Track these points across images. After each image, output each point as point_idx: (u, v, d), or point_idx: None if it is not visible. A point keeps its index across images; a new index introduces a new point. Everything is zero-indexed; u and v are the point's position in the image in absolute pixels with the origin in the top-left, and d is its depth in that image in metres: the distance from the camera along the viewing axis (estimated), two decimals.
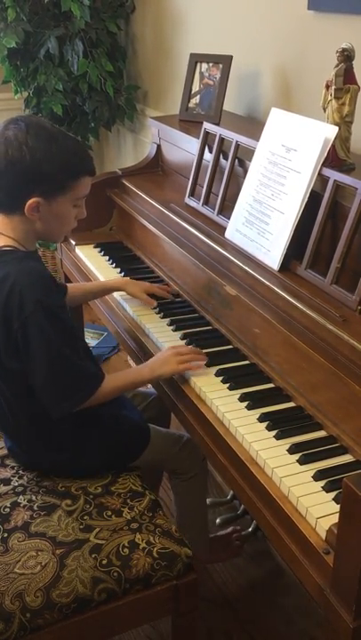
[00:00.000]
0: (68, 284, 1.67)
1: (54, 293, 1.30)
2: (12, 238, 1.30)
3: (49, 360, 1.24)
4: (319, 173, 1.36)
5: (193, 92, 2.08)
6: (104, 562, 1.21)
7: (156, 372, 1.37)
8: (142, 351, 1.58)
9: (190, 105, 2.08)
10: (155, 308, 1.65)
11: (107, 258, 1.95)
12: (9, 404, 1.35)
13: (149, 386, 1.57)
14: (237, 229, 1.56)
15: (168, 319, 1.59)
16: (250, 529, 1.81)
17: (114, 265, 1.91)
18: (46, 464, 1.40)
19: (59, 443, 1.38)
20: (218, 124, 1.79)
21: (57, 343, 1.24)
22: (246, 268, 1.46)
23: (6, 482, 1.38)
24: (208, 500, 1.75)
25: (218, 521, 1.80)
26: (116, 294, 1.75)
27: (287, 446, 1.16)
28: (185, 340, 1.49)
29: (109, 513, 1.30)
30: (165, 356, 1.38)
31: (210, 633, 1.63)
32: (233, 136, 1.63)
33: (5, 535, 1.25)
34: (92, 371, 1.32)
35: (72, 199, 1.31)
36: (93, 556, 1.21)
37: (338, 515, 0.94)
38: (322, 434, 1.20)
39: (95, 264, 1.92)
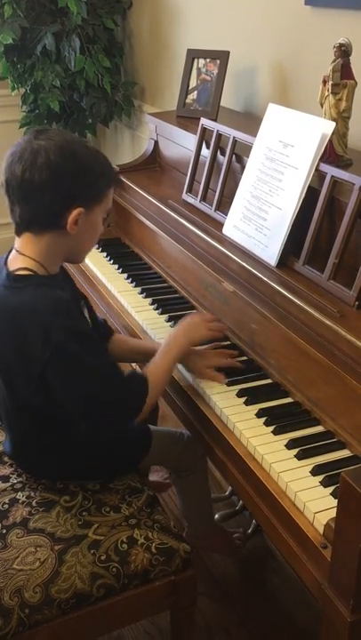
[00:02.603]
0: (118, 334, 1.55)
1: (79, 317, 1.23)
2: (34, 260, 1.20)
3: (97, 376, 1.18)
4: (317, 169, 1.36)
5: (190, 87, 2.07)
6: (103, 557, 1.21)
7: (190, 338, 1.34)
8: None
9: (188, 101, 2.08)
10: (152, 305, 1.65)
11: (104, 254, 1.95)
12: (9, 411, 1.32)
13: None
14: (235, 225, 1.56)
15: (166, 315, 1.59)
16: (249, 530, 1.82)
17: (112, 261, 1.91)
18: (44, 471, 1.37)
19: (58, 451, 1.34)
20: (215, 120, 1.79)
21: (98, 365, 1.19)
22: (244, 264, 1.46)
23: (5, 479, 1.38)
24: None
25: (217, 517, 1.81)
26: (115, 293, 1.75)
27: (285, 441, 1.17)
28: None
29: (108, 509, 1.30)
30: (194, 323, 1.36)
31: (208, 628, 1.64)
32: (230, 132, 1.63)
33: (4, 531, 1.25)
34: (134, 376, 1.27)
35: (104, 209, 1.25)
36: (92, 551, 1.22)
37: (335, 509, 0.94)
38: (319, 429, 1.20)
39: (93, 261, 1.92)
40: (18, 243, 1.22)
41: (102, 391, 1.19)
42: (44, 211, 1.17)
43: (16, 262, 1.21)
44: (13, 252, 1.23)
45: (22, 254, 1.20)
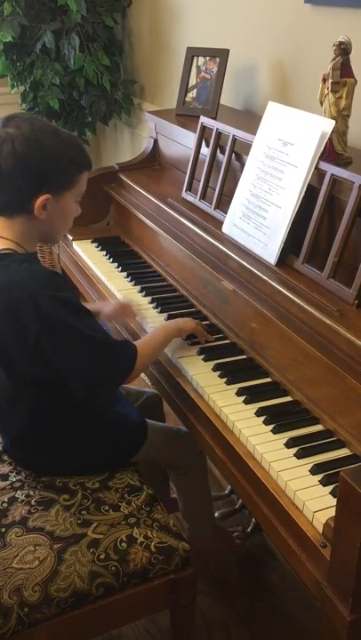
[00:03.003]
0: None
1: (65, 286, 1.26)
2: (12, 240, 1.25)
3: (88, 349, 1.22)
4: (316, 167, 1.36)
5: (190, 85, 2.07)
6: (102, 556, 1.21)
7: (180, 326, 1.41)
8: None
9: (187, 99, 2.08)
10: (152, 303, 1.65)
11: (104, 253, 1.95)
12: (8, 399, 1.34)
13: (146, 379, 1.56)
14: (235, 224, 1.56)
15: (166, 314, 1.59)
16: (249, 528, 1.82)
17: (111, 260, 1.90)
18: (42, 463, 1.39)
19: (56, 441, 1.36)
20: (215, 118, 1.78)
21: (88, 331, 1.22)
22: (243, 263, 1.46)
23: (4, 477, 1.38)
24: None
25: (216, 515, 1.81)
26: (114, 291, 1.75)
27: (284, 440, 1.16)
28: (187, 341, 1.46)
29: (107, 508, 1.30)
30: (185, 319, 1.45)
31: (208, 626, 1.64)
32: (230, 130, 1.63)
33: (3, 530, 1.25)
34: (123, 343, 1.32)
35: (76, 194, 1.28)
36: (91, 550, 1.21)
37: (335, 508, 0.94)
38: (319, 428, 1.20)
39: (92, 259, 1.92)
40: None
41: (94, 354, 1.23)
42: (11, 196, 1.21)
43: None
44: None
45: (0, 236, 1.25)
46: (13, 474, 1.39)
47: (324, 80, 1.39)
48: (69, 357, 1.22)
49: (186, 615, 1.34)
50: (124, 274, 1.81)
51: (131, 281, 1.77)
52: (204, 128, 1.74)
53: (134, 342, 1.33)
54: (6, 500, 1.32)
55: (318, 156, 1.36)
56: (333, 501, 1.00)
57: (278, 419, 1.21)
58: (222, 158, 1.65)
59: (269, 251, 1.44)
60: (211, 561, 1.80)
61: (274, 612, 1.68)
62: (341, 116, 1.39)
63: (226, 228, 1.59)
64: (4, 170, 1.18)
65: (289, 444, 1.15)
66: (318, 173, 1.36)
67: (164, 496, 1.70)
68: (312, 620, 1.63)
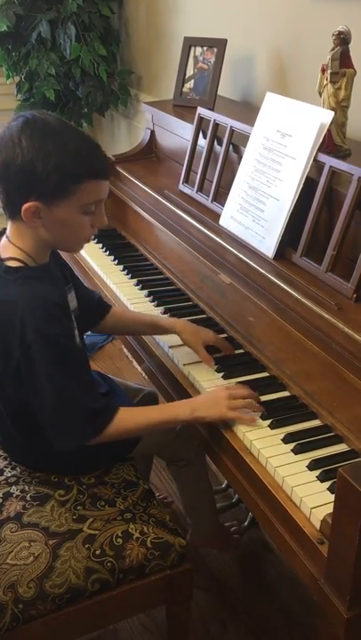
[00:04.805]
0: (116, 307, 1.52)
1: (58, 319, 1.17)
2: (22, 250, 1.19)
3: (53, 394, 1.15)
4: (315, 159, 1.34)
5: (187, 76, 2.05)
6: (97, 552, 1.20)
7: (200, 412, 1.20)
8: (136, 340, 1.57)
9: (184, 90, 2.05)
10: (148, 297, 1.63)
11: (100, 245, 1.93)
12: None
13: (143, 373, 1.55)
14: (232, 216, 1.54)
15: (162, 307, 1.58)
16: (246, 522, 1.81)
17: (107, 253, 1.89)
18: (38, 462, 1.36)
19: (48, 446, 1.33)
20: (212, 109, 1.77)
21: (59, 376, 1.15)
22: (241, 256, 1.44)
23: None
24: None
25: None
26: (111, 285, 1.74)
27: (282, 436, 1.16)
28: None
29: (103, 503, 1.29)
30: (216, 397, 1.21)
31: (205, 621, 1.63)
32: (227, 121, 1.61)
33: None
34: (100, 405, 1.19)
35: (77, 205, 1.15)
36: (87, 546, 1.20)
37: (332, 505, 0.93)
38: (316, 423, 1.19)
39: (88, 252, 1.90)
40: (7, 229, 1.23)
41: (58, 403, 1.16)
42: (5, 200, 1.16)
43: (7, 251, 1.21)
44: (4, 238, 1.23)
45: (11, 243, 1.21)
46: (8, 469, 1.37)
47: (323, 70, 1.37)
48: (37, 395, 1.17)
49: (182, 610, 1.33)
50: (121, 267, 1.79)
51: (127, 274, 1.76)
52: (201, 119, 1.72)
53: (122, 408, 1.21)
54: (1, 495, 1.31)
55: (317, 147, 1.34)
56: (331, 497, 0.99)
57: (276, 414, 1.20)
58: (220, 150, 1.63)
59: (267, 244, 1.42)
60: (207, 555, 1.80)
61: (271, 606, 1.68)
62: (340, 107, 1.37)
63: (223, 221, 1.57)
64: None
65: (286, 440, 1.15)
66: (317, 165, 1.34)
67: None
68: (309, 615, 1.63)
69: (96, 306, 1.47)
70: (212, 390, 1.27)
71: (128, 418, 1.22)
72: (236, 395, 1.22)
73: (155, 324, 1.47)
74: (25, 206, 1.12)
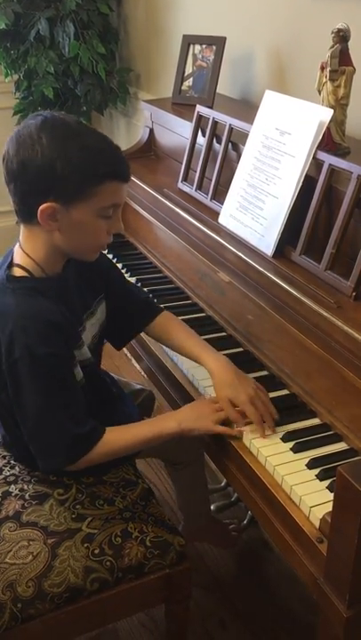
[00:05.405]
0: (168, 318, 1.40)
1: (50, 339, 1.12)
2: (31, 257, 1.15)
3: (34, 415, 1.13)
4: (314, 157, 1.34)
5: (186, 74, 2.04)
6: (96, 551, 1.20)
7: (187, 424, 1.18)
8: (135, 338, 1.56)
9: (183, 88, 2.05)
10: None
11: None
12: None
13: (142, 371, 1.54)
14: (231, 215, 1.54)
15: (161, 306, 1.57)
16: (245, 521, 1.81)
17: (107, 251, 1.88)
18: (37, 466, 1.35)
19: None
20: (211, 107, 1.76)
21: (42, 397, 1.12)
22: (240, 254, 1.44)
23: None
24: None
25: (212, 508, 1.80)
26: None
27: (281, 434, 1.15)
28: None
29: (102, 502, 1.29)
30: (201, 410, 1.20)
31: (204, 619, 1.63)
32: (226, 119, 1.60)
33: None
34: (83, 431, 1.16)
35: (95, 208, 1.11)
36: (85, 545, 1.20)
37: (332, 503, 0.93)
38: (316, 421, 1.19)
39: None
40: (20, 234, 1.19)
41: (38, 422, 1.14)
42: (19, 202, 1.12)
43: (17, 257, 1.18)
44: (17, 243, 1.20)
45: (22, 249, 1.17)
46: (7, 468, 1.37)
47: (323, 68, 1.36)
48: (19, 410, 1.15)
49: (181, 609, 1.33)
50: (120, 265, 1.79)
51: (126, 272, 1.75)
52: (200, 117, 1.71)
53: (109, 429, 1.18)
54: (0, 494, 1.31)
55: (316, 145, 1.34)
56: (330, 496, 0.99)
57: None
58: (219, 148, 1.63)
59: (266, 242, 1.42)
60: (206, 554, 1.80)
61: (270, 605, 1.68)
62: (340, 105, 1.36)
63: (222, 219, 1.57)
64: (11, 172, 1.09)
65: (286, 438, 1.14)
66: (316, 163, 1.34)
67: None
68: (308, 613, 1.63)
69: (141, 309, 1.40)
70: (195, 402, 1.26)
71: (115, 439, 1.19)
72: (221, 407, 1.20)
73: (197, 360, 1.31)
74: (42, 207, 1.08)
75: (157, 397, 1.64)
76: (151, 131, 2.10)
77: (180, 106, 2.00)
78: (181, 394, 1.34)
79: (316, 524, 0.99)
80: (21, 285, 1.14)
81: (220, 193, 1.62)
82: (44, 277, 1.17)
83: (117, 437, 1.20)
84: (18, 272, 1.16)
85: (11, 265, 1.17)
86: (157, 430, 1.21)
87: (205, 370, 1.29)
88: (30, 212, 1.10)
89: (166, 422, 1.21)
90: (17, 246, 1.19)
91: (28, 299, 1.13)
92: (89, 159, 1.08)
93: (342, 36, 1.32)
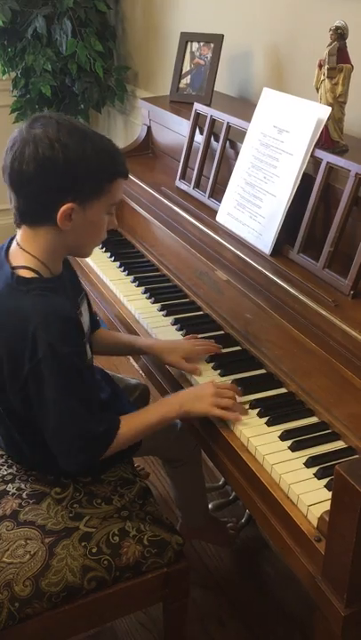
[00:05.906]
0: (101, 328, 1.47)
1: (71, 336, 1.14)
2: (36, 258, 1.15)
3: (56, 413, 1.13)
4: (312, 155, 1.33)
5: (183, 72, 2.04)
6: (94, 550, 1.20)
7: (186, 406, 1.21)
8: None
9: (181, 85, 2.04)
10: (145, 293, 1.63)
11: None
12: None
13: (139, 369, 1.54)
14: (229, 213, 1.54)
15: (159, 304, 1.57)
16: (243, 519, 1.81)
17: (104, 249, 1.88)
18: (37, 467, 1.34)
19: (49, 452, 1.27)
20: (209, 105, 1.75)
21: (66, 396, 1.13)
22: (238, 253, 1.44)
23: None
24: None
25: (210, 506, 1.80)
26: (107, 282, 1.73)
27: (279, 433, 1.15)
28: (181, 332, 1.45)
29: (99, 501, 1.28)
30: (202, 393, 1.22)
31: (202, 618, 1.63)
32: (224, 117, 1.60)
33: None
34: (102, 429, 1.17)
35: (106, 205, 1.16)
36: (83, 544, 1.20)
37: (329, 502, 0.93)
38: (314, 420, 1.19)
39: None
40: (18, 235, 1.18)
41: (57, 424, 1.14)
42: (33, 204, 1.12)
43: (18, 258, 1.16)
44: (14, 244, 1.19)
45: (23, 250, 1.16)
46: (4, 467, 1.37)
47: (320, 66, 1.36)
48: (41, 410, 1.15)
49: (179, 608, 1.33)
50: (117, 263, 1.79)
51: (124, 271, 1.75)
52: (197, 115, 1.71)
53: (122, 422, 1.20)
54: None
55: (314, 143, 1.33)
56: (328, 495, 0.99)
57: (273, 411, 1.20)
58: (216, 146, 1.63)
59: (264, 240, 1.41)
60: (204, 552, 1.80)
61: (268, 603, 1.68)
62: (338, 103, 1.36)
63: (220, 217, 1.56)
64: (25, 175, 1.08)
65: (283, 437, 1.14)
66: (314, 161, 1.34)
67: None
68: (306, 612, 1.62)
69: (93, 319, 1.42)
70: (199, 385, 1.28)
71: (127, 429, 1.21)
72: (222, 392, 1.22)
73: (132, 344, 1.43)
74: (63, 209, 1.10)
75: (153, 393, 1.64)
76: (149, 129, 2.10)
77: (178, 104, 2.00)
78: (176, 388, 1.34)
79: (314, 522, 0.99)
80: (35, 286, 1.13)
81: (217, 191, 1.61)
82: (52, 277, 1.18)
83: (130, 427, 1.21)
84: (26, 274, 1.15)
85: (13, 268, 1.16)
86: (161, 415, 1.23)
87: (204, 369, 1.30)
88: (44, 213, 1.11)
89: (170, 406, 1.23)
90: (15, 248, 1.18)
91: (44, 298, 1.13)
92: (104, 160, 1.12)
93: (340, 34, 1.32)
